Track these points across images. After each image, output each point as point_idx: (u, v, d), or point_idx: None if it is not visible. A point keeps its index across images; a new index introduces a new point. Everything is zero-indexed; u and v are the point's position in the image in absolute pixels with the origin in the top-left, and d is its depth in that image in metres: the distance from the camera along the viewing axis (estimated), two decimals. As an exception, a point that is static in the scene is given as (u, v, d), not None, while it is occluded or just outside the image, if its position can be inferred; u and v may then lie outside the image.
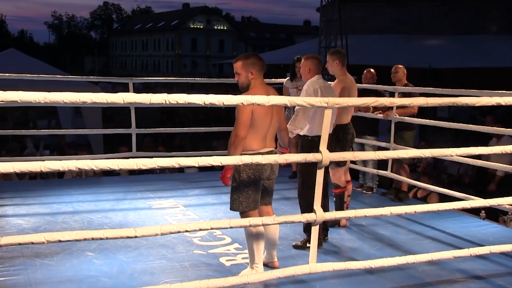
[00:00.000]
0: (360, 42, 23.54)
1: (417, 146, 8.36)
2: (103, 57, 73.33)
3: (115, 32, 78.14)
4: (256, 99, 3.13)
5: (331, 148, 4.03)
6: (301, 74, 4.84)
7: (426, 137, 12.20)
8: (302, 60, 4.81)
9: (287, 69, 7.53)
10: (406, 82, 6.64)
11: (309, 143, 4.61)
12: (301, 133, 4.67)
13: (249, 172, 3.84)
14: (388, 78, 6.76)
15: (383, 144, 6.70)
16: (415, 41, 24.86)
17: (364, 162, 6.93)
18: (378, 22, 27.57)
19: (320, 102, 3.30)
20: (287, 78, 7.40)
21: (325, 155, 3.35)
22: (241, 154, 3.75)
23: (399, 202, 6.44)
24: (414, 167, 9.12)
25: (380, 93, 6.81)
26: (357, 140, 6.94)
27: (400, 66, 6.74)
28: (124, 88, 20.48)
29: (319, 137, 4.45)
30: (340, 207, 5.29)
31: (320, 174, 3.43)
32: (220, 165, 3.18)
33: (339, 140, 5.10)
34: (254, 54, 3.99)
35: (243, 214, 3.90)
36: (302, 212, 4.63)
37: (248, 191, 3.87)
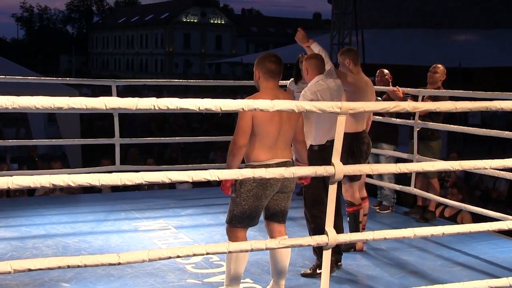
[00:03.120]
0: (378, 37, 23.61)
1: (445, 157, 8.37)
2: (81, 55, 73.59)
3: (96, 26, 78.50)
4: (258, 104, 3.14)
5: (344, 160, 4.02)
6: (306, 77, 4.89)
7: (455, 147, 12.21)
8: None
9: (292, 69, 7.55)
10: (440, 85, 6.62)
11: (317, 154, 4.65)
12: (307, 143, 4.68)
13: (252, 185, 3.87)
14: (411, 79, 6.78)
15: (404, 155, 6.70)
16: (442, 36, 24.91)
17: (380, 176, 6.92)
18: (399, 14, 27.64)
19: (332, 107, 3.31)
20: (291, 79, 7.42)
21: (338, 168, 3.36)
22: (246, 165, 3.86)
23: (424, 222, 6.44)
24: (441, 181, 9.12)
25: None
26: (373, 150, 6.95)
27: (440, 66, 6.66)
28: (106, 92, 20.53)
29: (325, 146, 4.64)
30: (355, 228, 5.28)
31: (332, 190, 3.43)
32: (218, 180, 3.19)
33: (352, 151, 5.12)
34: (272, 54, 4.08)
35: (230, 229, 3.98)
36: (312, 234, 4.66)
37: (245, 206, 3.91)
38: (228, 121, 18.74)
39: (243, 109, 3.13)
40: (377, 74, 7.15)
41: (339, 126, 3.36)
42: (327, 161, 3.42)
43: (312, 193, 4.72)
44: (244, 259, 3.99)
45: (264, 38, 66.52)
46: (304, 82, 7.19)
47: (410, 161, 6.45)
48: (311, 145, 4.69)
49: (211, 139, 8.80)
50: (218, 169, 3.20)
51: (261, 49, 57.82)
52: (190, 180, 3.07)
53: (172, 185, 8.71)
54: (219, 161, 10.36)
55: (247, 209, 3.91)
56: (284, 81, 7.47)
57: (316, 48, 5.05)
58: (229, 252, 3.53)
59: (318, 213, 4.66)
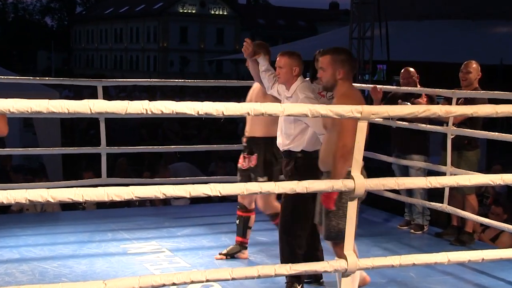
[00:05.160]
0: (405, 31, 23.62)
1: (484, 170, 8.34)
2: (62, 51, 73.93)
3: (79, 18, 78.87)
4: (266, 108, 3.14)
5: (260, 168, 5.09)
6: (282, 78, 4.97)
7: (497, 157, 12.17)
8: (285, 58, 4.97)
9: (308, 67, 7.56)
10: (477, 86, 6.60)
11: (310, 161, 4.70)
12: (294, 149, 4.85)
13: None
14: (443, 79, 6.77)
15: (436, 167, 6.69)
16: (480, 28, 24.90)
17: (410, 192, 6.92)
18: (429, 3, 27.63)
19: (351, 111, 3.31)
20: (307, 78, 7.43)
21: (358, 182, 3.35)
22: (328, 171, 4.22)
23: (460, 246, 6.41)
24: (480, 198, 9.08)
25: (431, 99, 6.82)
26: (400, 161, 6.94)
27: (472, 63, 6.61)
28: (90, 93, 20.64)
29: (316, 153, 4.71)
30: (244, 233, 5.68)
31: (352, 208, 3.43)
32: (220, 195, 3.19)
33: (266, 159, 5.41)
34: (346, 49, 4.40)
35: (340, 244, 4.05)
36: (283, 259, 4.75)
37: (342, 219, 4.14)
38: (230, 127, 18.76)
39: (248, 113, 3.14)
40: (401, 73, 7.15)
41: (360, 133, 3.36)
42: (317, 171, 3.68)
43: (294, 202, 4.73)
44: None
45: (273, 32, 66.61)
46: (320, 82, 7.26)
47: (443, 174, 6.43)
48: (302, 151, 4.84)
49: (211, 148, 8.79)
50: (220, 182, 3.20)
51: (270, 44, 57.84)
52: (188, 196, 3.07)
53: (166, 201, 8.71)
54: (220, 173, 10.37)
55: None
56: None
57: (264, 62, 5.18)
58: (246, 278, 3.49)
59: (298, 231, 4.78)
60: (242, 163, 5.57)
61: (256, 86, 5.61)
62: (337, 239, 4.18)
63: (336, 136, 4.16)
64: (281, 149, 4.98)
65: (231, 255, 5.75)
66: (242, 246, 5.79)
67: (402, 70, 7.16)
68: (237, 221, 5.76)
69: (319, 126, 4.60)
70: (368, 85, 6.79)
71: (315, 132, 4.80)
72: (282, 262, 4.89)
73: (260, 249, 5.98)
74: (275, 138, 5.23)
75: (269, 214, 5.64)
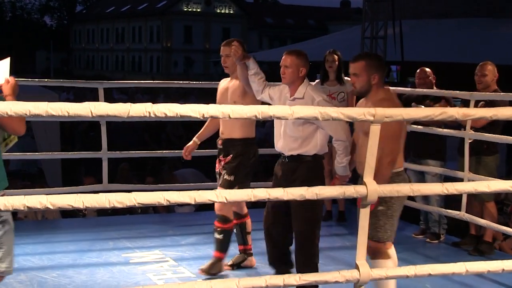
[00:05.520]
0: (419, 29, 23.56)
1: (504, 176, 8.31)
2: (61, 52, 74.17)
3: (79, 17, 79.11)
4: (275, 111, 3.15)
5: (240, 172, 5.23)
6: (288, 78, 4.95)
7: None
8: (293, 57, 4.95)
9: (319, 68, 7.57)
10: (496, 87, 6.58)
11: (319, 165, 4.92)
12: (305, 153, 4.88)
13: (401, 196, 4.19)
14: (461, 81, 6.76)
15: (453, 172, 6.68)
16: (501, 27, 24.78)
17: (426, 199, 6.90)
18: (445, 1, 27.59)
19: (363, 114, 3.31)
20: (317, 80, 7.45)
21: (371, 188, 3.36)
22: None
23: (479, 256, 6.40)
24: (500, 206, 9.05)
25: (447, 102, 6.81)
26: (415, 166, 6.93)
27: (489, 64, 6.59)
28: (91, 96, 20.64)
29: (322, 157, 4.92)
30: (225, 246, 5.56)
31: (364, 215, 3.43)
32: (226, 201, 3.19)
33: (245, 162, 5.44)
34: (378, 54, 4.48)
35: (383, 246, 4.42)
36: (304, 268, 4.78)
37: (396, 217, 4.45)
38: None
39: (256, 116, 3.14)
40: (417, 73, 7.13)
41: (373, 137, 3.36)
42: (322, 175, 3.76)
43: (309, 209, 4.84)
44: None
45: (281, 31, 66.73)
46: (332, 83, 7.27)
47: (461, 180, 6.42)
48: (315, 155, 4.89)
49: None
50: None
51: (277, 44, 57.97)
52: (192, 202, 3.08)
53: (170, 208, 8.72)
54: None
55: (395, 222, 4.46)
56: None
57: (253, 66, 5.17)
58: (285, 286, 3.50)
59: (316, 239, 4.97)
60: (219, 167, 5.58)
61: (228, 84, 5.56)
62: (383, 239, 4.42)
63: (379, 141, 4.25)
64: (285, 153, 4.94)
65: (237, 265, 5.75)
66: (247, 253, 5.79)
67: (418, 70, 7.14)
68: (234, 230, 5.74)
69: (339, 130, 4.67)
70: None
71: (325, 135, 4.86)
72: (301, 272, 4.93)
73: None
74: (252, 140, 5.44)
75: (220, 216, 5.55)
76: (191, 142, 5.83)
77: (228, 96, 5.47)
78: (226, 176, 5.41)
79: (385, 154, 4.21)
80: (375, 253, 4.41)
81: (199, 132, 5.86)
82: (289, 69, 4.90)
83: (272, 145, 5.19)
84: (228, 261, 5.77)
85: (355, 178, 4.42)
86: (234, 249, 5.98)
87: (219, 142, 5.57)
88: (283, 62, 4.95)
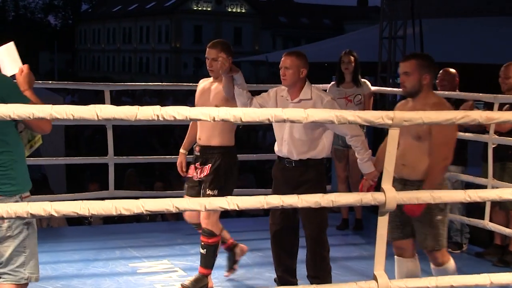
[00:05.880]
0: (440, 29, 23.49)
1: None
2: (66, 52, 74.37)
3: (84, 16, 79.37)
4: (289, 114, 3.14)
5: (223, 181, 5.28)
6: (289, 80, 4.98)
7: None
8: (293, 58, 4.99)
9: (334, 69, 7.57)
10: None
11: (323, 169, 5.07)
12: (315, 156, 4.99)
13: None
14: (484, 82, 6.74)
15: (476, 179, 6.64)
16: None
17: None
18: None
19: (382, 118, 3.30)
20: (332, 82, 7.44)
21: (390, 195, 3.34)
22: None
23: (504, 267, 6.36)
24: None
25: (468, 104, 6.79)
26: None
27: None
28: (97, 98, 20.69)
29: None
30: (211, 262, 5.47)
31: (383, 224, 3.42)
32: (237, 209, 3.19)
33: (231, 171, 5.41)
34: (429, 54, 4.71)
35: (445, 252, 4.72)
36: (319, 274, 5.01)
37: (446, 224, 4.67)
38: (250, 135, 18.76)
39: (269, 120, 3.13)
40: (439, 75, 7.09)
41: (391, 142, 3.35)
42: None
43: (320, 214, 4.96)
44: None
45: (295, 31, 66.69)
46: (348, 86, 7.26)
47: (484, 187, 6.39)
48: (322, 158, 5.04)
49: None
50: (237, 195, 3.19)
51: (291, 45, 57.99)
52: (203, 210, 3.08)
53: (179, 216, 8.72)
54: (237, 185, 10.34)
55: (446, 228, 4.72)
56: (323, 85, 7.49)
57: (240, 79, 5.10)
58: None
59: (327, 244, 5.12)
60: (193, 173, 5.46)
61: (210, 86, 5.46)
62: (444, 245, 4.70)
63: (431, 145, 4.51)
64: (292, 157, 4.99)
65: (233, 263, 5.81)
66: (232, 246, 5.79)
67: (441, 72, 7.02)
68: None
69: (353, 126, 4.76)
70: (400, 89, 6.72)
71: (331, 138, 5.07)
72: (315, 278, 5.00)
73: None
74: (232, 148, 5.38)
75: (205, 229, 5.46)
76: (180, 157, 5.68)
77: (210, 99, 5.37)
78: (209, 191, 5.29)
79: (440, 159, 4.46)
80: (439, 261, 4.72)
81: (184, 142, 5.74)
82: (290, 70, 4.95)
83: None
84: (241, 269, 5.77)
85: (403, 182, 4.62)
86: (247, 259, 5.98)
87: (197, 148, 5.43)
88: (282, 64, 4.99)
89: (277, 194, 4.60)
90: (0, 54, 3.89)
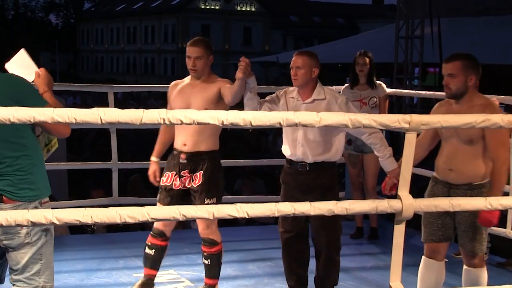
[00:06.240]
0: (460, 28, 23.45)
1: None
2: (68, 53, 74.66)
3: (87, 15, 79.62)
4: (301, 118, 3.14)
5: (213, 192, 5.22)
6: (301, 80, 5.01)
7: None
8: (305, 57, 5.02)
9: (348, 70, 7.56)
10: None
11: (338, 173, 5.19)
12: (331, 159, 5.06)
13: None
14: (505, 83, 6.72)
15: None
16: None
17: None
18: (489, -3, 27.42)
19: (398, 121, 3.30)
20: (346, 84, 7.44)
21: (407, 202, 3.34)
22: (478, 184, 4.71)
23: (526, 277, 6.35)
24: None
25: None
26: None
27: None
28: (100, 100, 20.76)
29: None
30: (218, 272, 5.47)
31: (399, 233, 3.41)
32: (247, 217, 3.19)
33: (217, 179, 5.35)
34: (472, 55, 4.72)
35: (480, 257, 4.79)
36: (332, 283, 5.20)
37: (487, 228, 4.78)
38: (260, 139, 18.74)
39: (280, 123, 3.13)
40: None
41: (408, 146, 3.35)
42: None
43: (335, 221, 5.05)
44: None
45: (307, 30, 66.69)
46: (363, 88, 7.25)
47: (506, 194, 6.37)
48: (335, 162, 5.11)
49: (237, 164, 8.80)
50: (247, 202, 3.19)
51: (303, 45, 57.94)
52: (211, 218, 3.08)
53: (186, 224, 8.73)
54: (247, 192, 10.35)
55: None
56: (336, 86, 7.49)
57: (254, 83, 5.09)
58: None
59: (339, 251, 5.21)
60: (171, 181, 5.31)
61: (192, 89, 5.27)
62: (484, 251, 4.85)
63: (484, 149, 4.62)
64: (307, 160, 5.02)
65: None
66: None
67: None
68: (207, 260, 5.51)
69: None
70: (418, 91, 6.73)
71: (343, 140, 5.15)
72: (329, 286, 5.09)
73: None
74: (218, 152, 5.33)
75: (206, 239, 5.42)
76: (153, 166, 5.51)
77: (196, 102, 5.19)
78: (207, 200, 5.22)
79: (501, 162, 4.57)
80: (477, 265, 4.82)
81: (155, 151, 5.57)
82: (302, 70, 4.97)
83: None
84: (249, 280, 5.77)
85: (448, 186, 4.74)
86: (257, 269, 5.97)
87: (182, 156, 5.25)
88: (294, 64, 5.00)
89: (288, 200, 4.66)
90: (13, 64, 3.94)
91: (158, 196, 5.40)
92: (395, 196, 3.40)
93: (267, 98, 5.21)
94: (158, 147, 5.56)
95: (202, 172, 5.23)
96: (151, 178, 5.51)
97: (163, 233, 5.47)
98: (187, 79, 5.37)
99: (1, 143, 3.59)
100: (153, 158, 5.54)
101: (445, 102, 4.86)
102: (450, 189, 4.71)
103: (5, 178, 3.60)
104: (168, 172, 5.34)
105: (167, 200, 5.30)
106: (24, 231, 3.63)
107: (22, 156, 3.63)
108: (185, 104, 5.21)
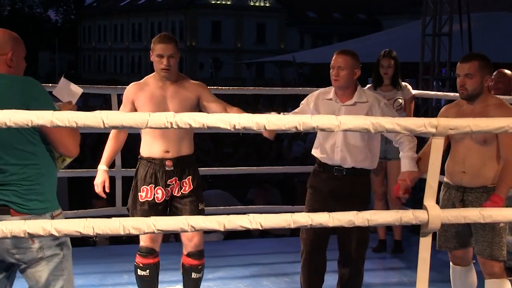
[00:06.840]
0: (491, 24, 23.39)
1: None
2: (68, 52, 74.93)
3: (89, 11, 79.86)
4: (319, 122, 3.14)
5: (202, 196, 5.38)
6: (342, 81, 5.05)
7: None
8: (347, 57, 5.05)
9: (370, 71, 7.55)
10: None
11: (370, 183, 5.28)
12: (369, 166, 5.15)
13: None
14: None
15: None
16: None
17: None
18: (522, -9, 27.39)
19: (424, 125, 3.29)
20: (369, 85, 7.43)
21: (434, 213, 3.33)
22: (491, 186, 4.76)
23: None
24: None
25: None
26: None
27: None
28: (103, 103, 20.82)
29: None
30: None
31: (425, 246, 3.40)
32: (260, 228, 3.19)
33: (202, 183, 5.47)
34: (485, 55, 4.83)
35: (504, 266, 4.82)
36: None
37: (506, 233, 4.80)
38: (272, 145, 18.73)
39: (296, 128, 3.14)
40: (493, 76, 7.01)
41: (435, 152, 3.34)
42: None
43: (362, 232, 5.05)
44: None
45: (326, 27, 66.64)
46: (386, 89, 7.24)
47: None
48: (370, 171, 5.21)
49: (250, 171, 8.80)
50: (260, 213, 3.18)
51: (321, 43, 58.00)
52: (222, 229, 3.08)
53: (167, 237, 8.72)
54: (260, 201, 10.35)
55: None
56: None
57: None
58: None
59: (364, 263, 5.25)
60: (156, 195, 5.25)
61: (165, 93, 5.16)
62: (504, 257, 4.82)
63: (497, 149, 4.72)
64: (344, 165, 5.05)
65: None
66: None
67: (495, 73, 6.93)
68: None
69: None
70: (446, 93, 6.68)
71: (379, 145, 5.19)
72: None
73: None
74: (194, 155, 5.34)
75: (199, 251, 5.46)
76: (101, 174, 5.34)
77: (175, 106, 5.08)
78: (201, 206, 5.27)
79: None
80: (498, 274, 4.81)
81: (104, 159, 5.41)
82: (344, 71, 4.99)
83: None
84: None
85: (462, 190, 4.82)
86: (271, 284, 5.96)
87: (168, 163, 5.17)
88: (335, 63, 5.02)
89: (315, 206, 4.70)
90: (59, 91, 4.02)
91: (135, 213, 5.37)
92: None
93: (297, 110, 5.34)
94: (108, 155, 5.40)
95: (190, 177, 5.24)
96: (99, 189, 5.33)
97: (152, 250, 5.44)
98: (150, 81, 5.23)
99: (5, 150, 3.58)
100: (103, 167, 5.35)
101: (454, 104, 4.97)
102: (464, 193, 4.79)
103: (11, 188, 3.59)
104: (145, 186, 5.27)
105: (147, 213, 5.19)
106: (36, 245, 3.62)
107: (29, 164, 3.62)
108: (161, 110, 4.81)
